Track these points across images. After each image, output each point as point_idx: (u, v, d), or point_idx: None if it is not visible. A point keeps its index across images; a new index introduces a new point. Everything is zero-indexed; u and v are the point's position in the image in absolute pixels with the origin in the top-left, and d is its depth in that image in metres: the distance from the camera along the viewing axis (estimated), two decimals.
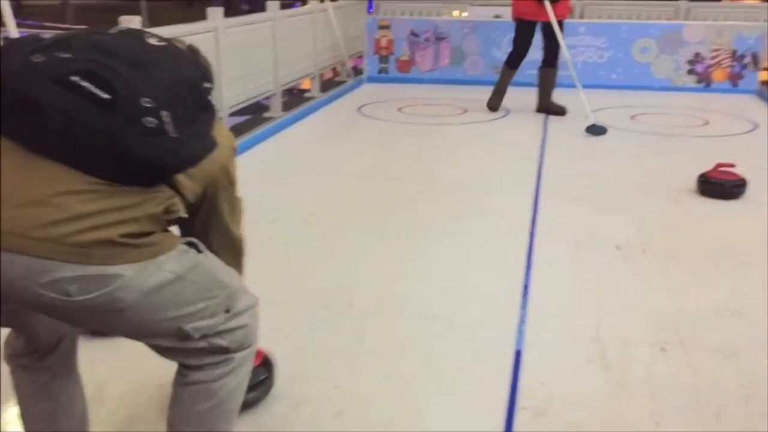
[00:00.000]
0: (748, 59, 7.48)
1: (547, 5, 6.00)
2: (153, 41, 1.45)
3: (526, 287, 3.00)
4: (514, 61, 6.47)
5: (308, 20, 7.49)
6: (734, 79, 7.54)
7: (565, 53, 6.23)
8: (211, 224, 1.63)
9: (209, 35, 5.27)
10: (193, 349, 1.52)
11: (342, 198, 4.19)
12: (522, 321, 2.71)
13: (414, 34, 7.99)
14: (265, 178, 4.48)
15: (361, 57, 8.63)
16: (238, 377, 1.59)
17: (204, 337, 1.51)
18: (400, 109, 6.70)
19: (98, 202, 1.34)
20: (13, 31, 4.02)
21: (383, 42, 8.08)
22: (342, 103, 7.13)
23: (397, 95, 7.33)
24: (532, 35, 6.27)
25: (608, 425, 2.10)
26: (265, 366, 2.17)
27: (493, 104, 6.58)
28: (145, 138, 1.33)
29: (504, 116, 6.48)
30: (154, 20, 14.14)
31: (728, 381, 2.32)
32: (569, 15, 6.60)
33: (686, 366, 2.41)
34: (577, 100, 6.28)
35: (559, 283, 3.07)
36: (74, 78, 1.30)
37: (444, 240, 3.53)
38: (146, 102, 1.32)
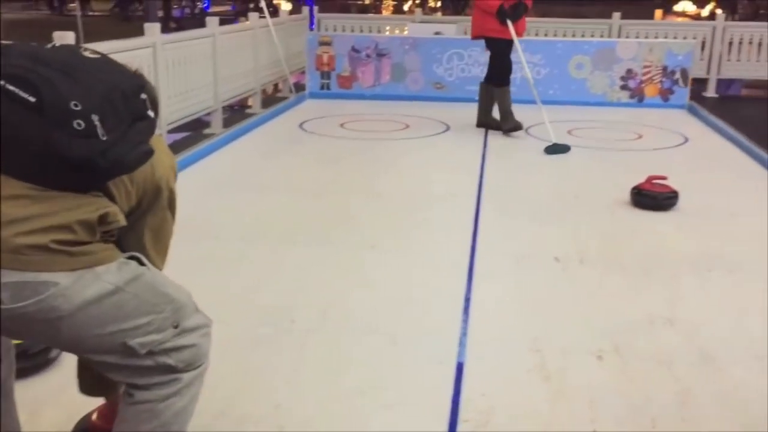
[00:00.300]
0: (677, 75, 7.76)
1: (510, 25, 6.08)
2: (88, 54, 1.47)
3: (467, 300, 3.03)
4: (503, 78, 6.43)
5: (249, 36, 7.46)
6: (665, 95, 7.80)
7: (526, 71, 6.39)
8: (130, 240, 1.60)
9: (146, 51, 5.20)
10: (140, 367, 1.50)
11: (284, 214, 4.16)
12: (464, 333, 2.73)
13: (355, 50, 8.04)
14: (206, 194, 4.43)
15: (302, 73, 8.63)
16: (185, 399, 1.57)
17: (150, 354, 1.49)
18: (342, 125, 6.71)
19: (31, 206, 1.35)
20: None
21: (325, 58, 8.10)
22: (284, 119, 7.11)
23: (338, 111, 7.34)
24: (508, 50, 6.31)
25: None
26: None
27: (516, 124, 6.37)
28: (74, 140, 1.34)
29: (445, 131, 6.56)
30: (88, 36, 13.86)
31: (663, 388, 2.39)
32: (524, 33, 6.62)
33: (622, 374, 2.47)
34: (517, 113, 6.41)
35: (499, 296, 3.11)
36: (1, 82, 1.31)
37: (386, 255, 3.55)
38: (75, 105, 1.34)
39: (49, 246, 1.34)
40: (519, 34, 6.28)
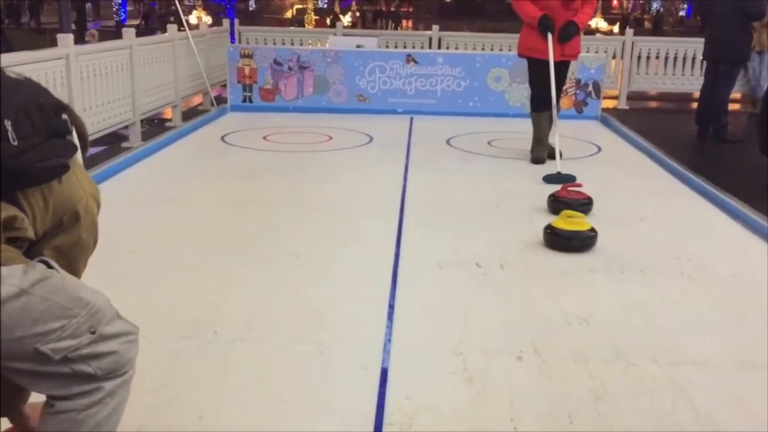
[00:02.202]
0: (590, 88, 8.07)
1: (549, 41, 5.44)
2: (11, 74, 1.52)
3: (391, 307, 3.06)
4: (534, 103, 5.83)
5: (168, 48, 7.35)
6: (579, 107, 8.10)
7: (553, 96, 5.56)
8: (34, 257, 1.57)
9: (59, 62, 5.06)
10: (57, 375, 1.46)
11: (206, 226, 4.11)
12: (388, 339, 2.76)
13: (277, 62, 8.02)
14: (124, 208, 4.33)
15: (224, 86, 8.55)
16: (107, 408, 1.53)
17: (66, 360, 1.45)
18: (265, 138, 6.68)
19: None
20: None
21: (246, 71, 8.05)
22: (205, 132, 7.02)
23: (261, 124, 7.31)
24: (544, 73, 5.53)
25: None
26: None
27: (537, 157, 5.80)
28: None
29: (368, 143, 6.61)
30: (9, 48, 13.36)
31: (579, 384, 2.47)
32: (577, 57, 5.92)
33: (541, 372, 2.54)
34: (438, 125, 6.52)
35: (423, 301, 3.16)
36: None
37: (310, 265, 3.55)
38: None
39: None
40: (572, 56, 5.71)
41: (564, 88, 7.14)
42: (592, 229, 3.83)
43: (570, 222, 3.80)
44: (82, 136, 1.57)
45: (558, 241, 3.79)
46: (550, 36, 5.44)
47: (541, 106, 5.73)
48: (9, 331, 1.39)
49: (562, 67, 5.72)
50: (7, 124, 1.39)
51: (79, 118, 1.59)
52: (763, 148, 5.66)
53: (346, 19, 26.82)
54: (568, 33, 5.49)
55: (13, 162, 1.39)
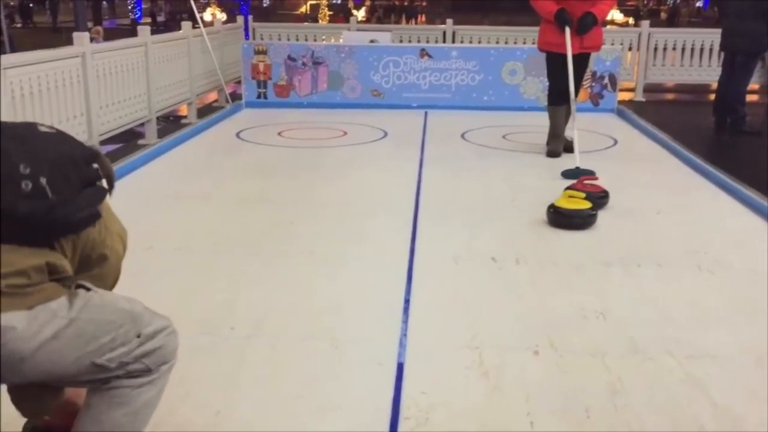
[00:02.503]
0: (606, 80, 8.01)
1: (567, 35, 5.41)
2: (43, 128, 1.62)
3: (407, 302, 3.06)
4: (551, 96, 5.85)
5: (183, 45, 7.38)
6: (595, 99, 8.04)
7: (571, 89, 5.50)
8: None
9: (75, 61, 5.10)
10: (116, 377, 1.62)
11: (221, 223, 4.13)
12: (404, 335, 2.76)
13: (291, 58, 8.03)
14: (139, 205, 4.35)
15: (239, 82, 8.58)
16: (155, 389, 1.69)
17: (122, 365, 1.60)
18: (279, 134, 6.69)
19: None
20: None
21: (261, 67, 8.06)
22: (220, 129, 7.05)
23: (276, 120, 7.32)
24: (562, 67, 5.48)
25: (486, 428, 2.18)
26: None
27: (553, 150, 5.80)
28: (22, 199, 1.47)
29: (383, 138, 6.61)
30: (17, 46, 13.47)
31: (595, 379, 2.46)
32: (600, 48, 5.95)
33: (557, 367, 2.53)
34: (453, 119, 6.50)
35: (438, 296, 3.15)
36: None
37: (325, 261, 3.55)
38: (24, 168, 1.47)
39: (3, 290, 1.44)
40: (592, 48, 5.71)
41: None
42: (593, 208, 4.05)
43: (571, 201, 4.06)
44: (108, 177, 1.66)
45: (560, 219, 4.02)
46: (567, 30, 5.42)
47: (558, 100, 5.72)
48: (67, 356, 1.53)
49: (582, 59, 5.70)
50: (43, 181, 1.49)
51: (106, 161, 1.68)
52: None
53: (360, 14, 26.81)
54: (586, 24, 5.44)
55: (50, 216, 1.49)
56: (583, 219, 4.01)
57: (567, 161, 5.40)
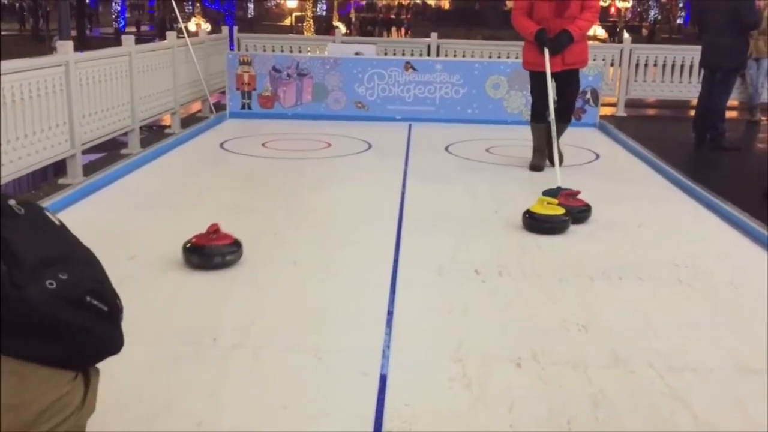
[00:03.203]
0: (588, 95, 8.09)
1: (546, 55, 5.41)
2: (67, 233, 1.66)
3: (390, 313, 3.06)
4: (533, 114, 5.87)
5: (168, 55, 7.36)
6: (577, 114, 8.09)
7: (550, 105, 5.45)
8: None
9: (59, 69, 5.07)
10: None
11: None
12: (387, 345, 2.76)
13: (276, 69, 8.04)
14: (122, 215, 4.33)
15: (223, 93, 8.57)
16: None
17: None
18: (263, 144, 6.69)
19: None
20: None
21: (245, 78, 8.07)
22: (204, 139, 7.03)
23: (260, 130, 7.31)
24: (542, 85, 5.49)
25: None
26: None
27: (534, 164, 5.84)
28: (118, 332, 1.62)
29: (367, 150, 6.62)
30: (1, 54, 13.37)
31: (578, 390, 2.47)
32: (586, 63, 5.86)
33: (540, 378, 2.54)
34: (437, 132, 6.52)
35: (422, 307, 3.16)
36: (88, 299, 1.53)
37: (309, 271, 3.55)
38: (118, 301, 1.63)
39: None
40: (575, 64, 5.62)
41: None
42: (566, 214, 4.24)
43: (546, 207, 4.27)
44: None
45: (534, 223, 4.23)
46: (546, 51, 5.43)
47: (538, 118, 5.76)
48: None
49: (568, 77, 5.66)
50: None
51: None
52: None
53: (343, 29, 26.83)
54: (560, 43, 5.43)
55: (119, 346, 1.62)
56: (556, 224, 4.20)
57: (550, 175, 5.44)
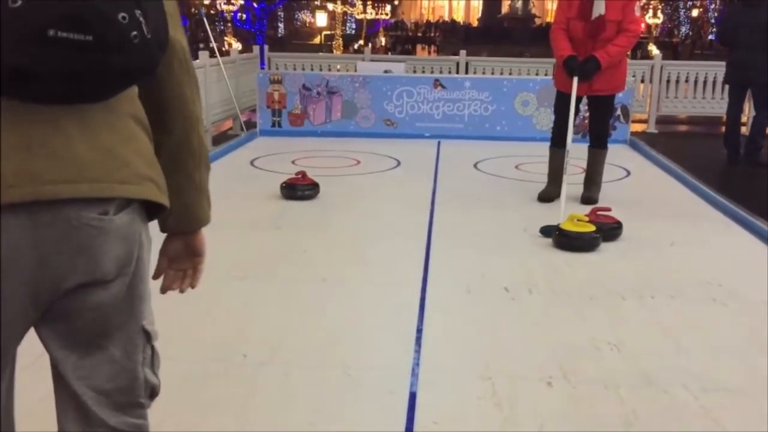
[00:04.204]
0: (619, 111, 8.03)
1: (574, 84, 4.96)
2: None
3: (419, 330, 3.06)
4: (553, 137, 5.40)
5: (200, 74, 7.48)
6: None
7: (570, 130, 4.99)
8: None
9: None
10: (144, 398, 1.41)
11: (234, 249, 4.15)
12: (416, 363, 2.76)
13: (306, 88, 8.12)
14: (153, 231, 4.38)
15: (253, 111, 8.67)
16: None
17: (152, 359, 1.44)
18: (293, 162, 6.74)
19: None
20: None
21: (275, 96, 8.15)
22: (234, 157, 7.11)
23: (290, 148, 7.38)
24: (567, 107, 5.10)
25: None
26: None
27: (545, 194, 5.38)
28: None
29: (396, 167, 6.64)
30: None
31: (609, 410, 2.44)
32: (622, 89, 5.44)
33: (570, 398, 2.52)
34: (465, 149, 6.51)
35: (451, 325, 3.15)
36: (52, 33, 1.05)
37: (338, 288, 3.56)
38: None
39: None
40: (603, 90, 5.15)
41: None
42: (597, 231, 4.18)
43: (577, 224, 4.20)
44: None
45: (565, 241, 4.18)
46: (575, 79, 4.98)
47: (558, 142, 5.25)
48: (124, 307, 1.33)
49: (595, 101, 5.26)
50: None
51: None
52: None
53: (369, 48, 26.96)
54: (587, 71, 4.95)
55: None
56: (587, 242, 4.15)
57: (574, 190, 5.39)
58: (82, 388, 1.27)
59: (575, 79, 5.00)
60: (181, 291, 1.55)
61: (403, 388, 2.56)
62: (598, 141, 5.37)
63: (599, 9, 4.96)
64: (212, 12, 24.76)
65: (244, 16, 28.11)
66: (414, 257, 4.03)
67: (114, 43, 1.08)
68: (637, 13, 5.19)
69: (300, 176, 5.36)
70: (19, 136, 1.11)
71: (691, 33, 39.48)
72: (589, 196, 5.26)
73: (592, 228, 4.21)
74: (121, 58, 1.10)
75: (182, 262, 1.50)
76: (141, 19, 1.11)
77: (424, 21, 33.60)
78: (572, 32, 5.11)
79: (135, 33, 1.10)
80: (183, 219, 1.42)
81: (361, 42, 28.60)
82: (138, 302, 1.31)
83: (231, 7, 27.27)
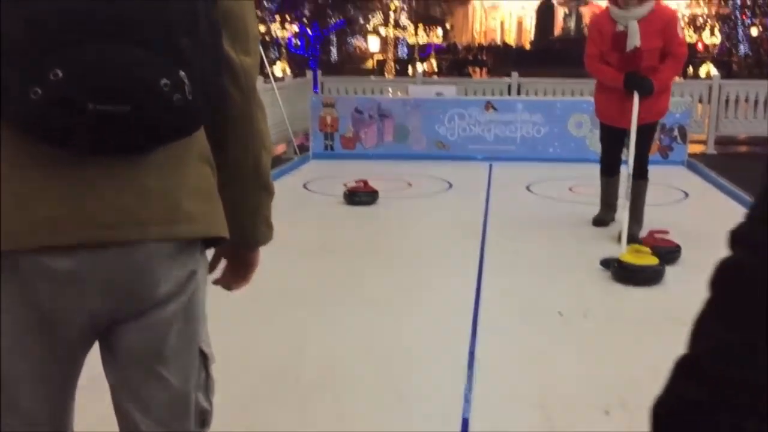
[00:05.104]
0: (675, 132, 7.87)
1: (635, 101, 4.57)
2: None
3: (471, 355, 3.01)
4: (602, 166, 5.21)
5: None
6: (664, 152, 7.89)
7: (630, 160, 4.71)
8: None
9: None
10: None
11: (286, 273, 4.17)
12: (468, 389, 2.72)
13: (358, 111, 8.19)
14: (209, 253, 4.45)
15: (306, 134, 8.78)
16: None
17: (207, 385, 1.44)
18: (345, 185, 6.78)
19: None
20: None
21: (328, 119, 8.24)
22: (287, 180, 7.19)
23: (342, 171, 7.42)
24: (613, 139, 4.98)
25: None
26: None
27: (600, 218, 5.22)
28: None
29: (448, 190, 6.62)
30: None
31: None
32: (665, 114, 5.13)
33: (629, 428, 2.44)
34: (518, 171, 6.45)
35: (504, 351, 3.10)
36: (91, 106, 1.08)
37: (390, 312, 3.55)
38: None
39: None
40: (653, 115, 4.83)
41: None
42: (660, 263, 3.89)
43: (638, 256, 3.90)
44: None
45: (625, 274, 3.88)
46: (636, 96, 4.58)
47: (608, 171, 5.12)
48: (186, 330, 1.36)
49: (638, 130, 4.76)
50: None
51: None
52: None
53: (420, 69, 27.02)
54: (646, 87, 4.58)
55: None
56: (650, 275, 3.88)
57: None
58: (137, 414, 1.28)
59: (636, 98, 4.61)
60: (229, 288, 1.61)
61: (455, 414, 2.52)
62: (640, 171, 4.87)
63: (634, 40, 4.59)
64: (267, 39, 25.28)
65: (299, 42, 28.62)
66: (466, 280, 3.99)
67: (152, 110, 1.09)
68: (681, 34, 4.83)
69: (361, 184, 5.91)
70: (77, 180, 1.14)
71: (750, 53, 38.52)
72: (630, 235, 4.65)
73: (654, 260, 3.92)
74: (159, 122, 1.11)
75: (235, 268, 1.55)
76: (185, 80, 1.10)
77: (476, 44, 33.65)
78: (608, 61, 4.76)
79: (178, 96, 1.09)
80: (241, 238, 1.44)
81: (413, 66, 28.80)
82: (195, 324, 1.32)
83: (286, 34, 27.79)
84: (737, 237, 0.45)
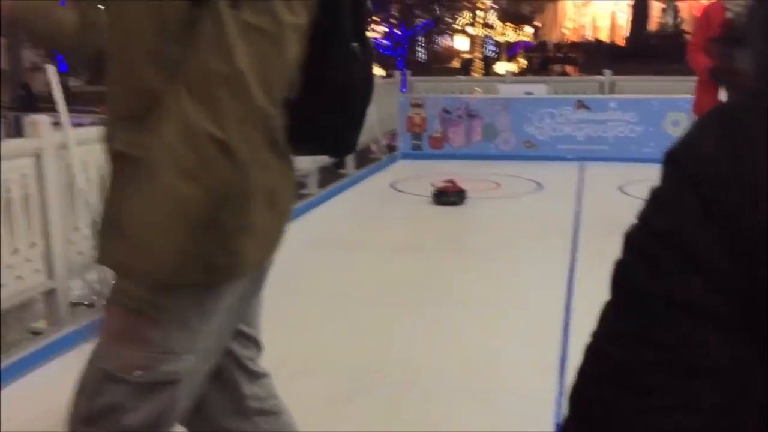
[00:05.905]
0: None
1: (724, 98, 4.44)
2: None
3: (563, 359, 2.96)
4: None
5: None
6: None
7: None
8: None
9: None
10: None
11: (375, 272, 4.22)
12: (560, 393, 2.67)
13: (446, 111, 8.17)
14: (301, 252, 4.54)
15: (394, 134, 8.82)
16: None
17: None
18: (433, 185, 6.77)
19: None
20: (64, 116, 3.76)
21: (416, 119, 8.26)
22: (376, 180, 7.26)
23: (430, 171, 7.42)
24: None
25: None
26: None
27: None
28: None
29: (538, 191, 6.52)
30: None
31: None
32: None
33: None
34: (610, 171, 6.27)
35: None
36: None
37: (478, 313, 3.52)
38: None
39: None
40: None
41: None
42: None
43: None
44: None
45: None
46: (724, 91, 4.38)
47: None
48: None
49: None
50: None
51: None
52: None
53: (503, 68, 26.53)
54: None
55: None
56: None
57: None
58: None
59: (723, 92, 4.30)
60: None
61: (546, 418, 2.48)
62: None
63: None
64: None
65: (387, 42, 28.83)
66: (557, 283, 3.92)
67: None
68: None
69: (450, 183, 5.96)
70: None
71: None
72: None
73: None
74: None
75: None
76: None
77: (567, 41, 32.95)
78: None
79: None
80: None
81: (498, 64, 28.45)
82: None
83: (374, 35, 28.05)
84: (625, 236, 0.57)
